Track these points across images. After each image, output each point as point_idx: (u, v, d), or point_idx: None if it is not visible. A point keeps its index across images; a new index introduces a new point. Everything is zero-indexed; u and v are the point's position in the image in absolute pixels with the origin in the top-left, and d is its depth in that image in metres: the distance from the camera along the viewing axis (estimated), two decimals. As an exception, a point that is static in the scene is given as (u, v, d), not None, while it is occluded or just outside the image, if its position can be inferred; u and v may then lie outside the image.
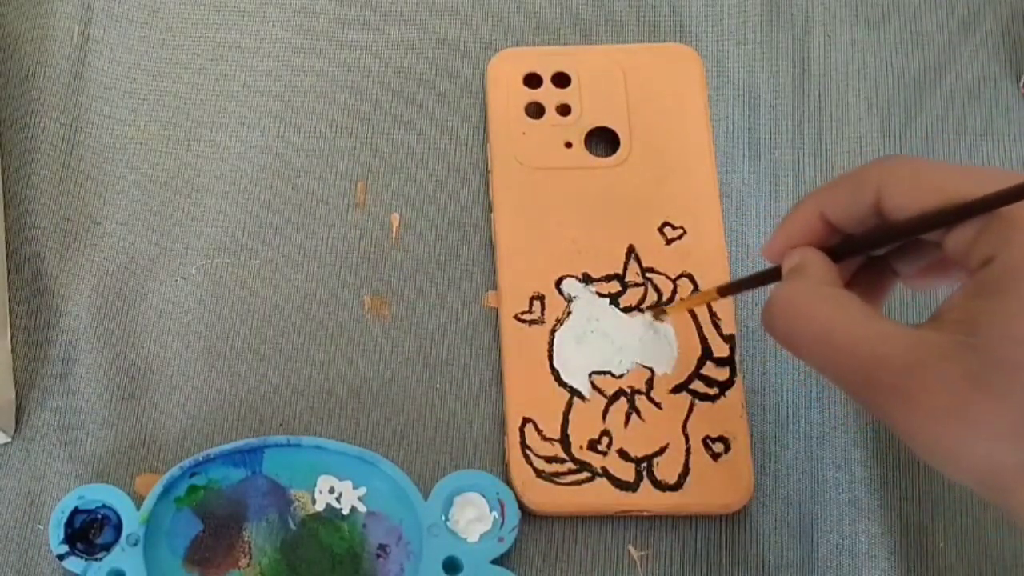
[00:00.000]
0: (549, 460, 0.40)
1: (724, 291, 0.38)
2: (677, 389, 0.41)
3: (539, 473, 0.39)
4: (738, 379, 0.41)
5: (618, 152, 0.44)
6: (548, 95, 0.45)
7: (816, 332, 0.30)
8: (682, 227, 0.43)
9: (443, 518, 0.39)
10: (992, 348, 0.26)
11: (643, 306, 0.41)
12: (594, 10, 0.48)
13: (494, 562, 0.38)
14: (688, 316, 0.41)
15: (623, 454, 0.40)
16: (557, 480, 0.39)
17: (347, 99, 0.46)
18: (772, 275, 0.34)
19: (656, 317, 0.41)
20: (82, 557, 0.38)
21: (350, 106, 0.46)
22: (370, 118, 0.46)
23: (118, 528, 0.38)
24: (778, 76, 0.46)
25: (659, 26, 0.47)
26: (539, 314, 0.42)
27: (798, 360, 0.41)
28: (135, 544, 0.38)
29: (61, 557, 0.38)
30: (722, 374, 0.41)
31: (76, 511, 0.39)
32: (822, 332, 0.29)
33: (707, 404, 0.40)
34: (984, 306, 0.27)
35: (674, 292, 0.42)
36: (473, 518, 0.39)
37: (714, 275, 0.42)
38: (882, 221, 0.31)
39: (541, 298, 0.42)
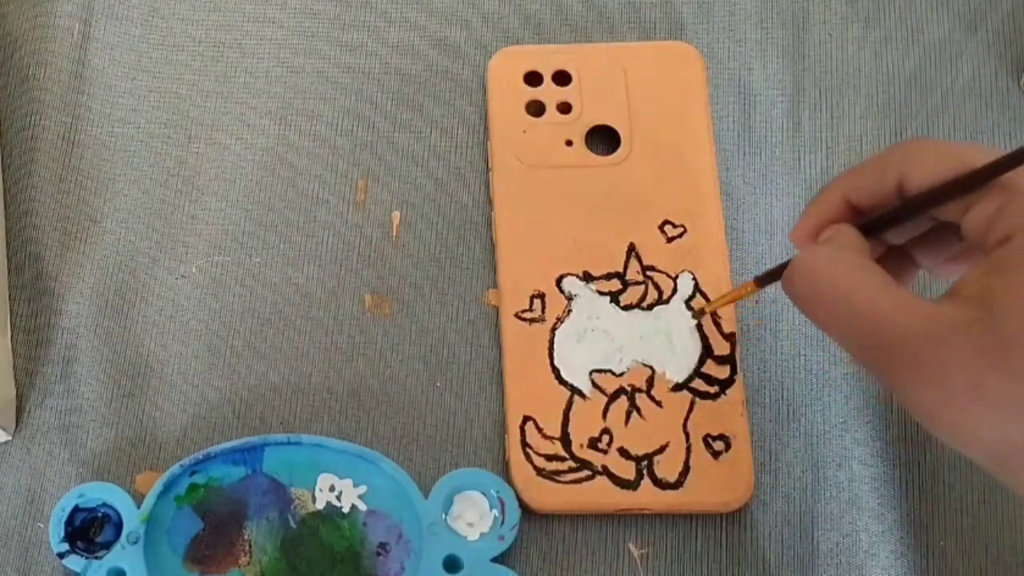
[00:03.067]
0: (549, 458, 0.39)
1: (762, 280, 0.36)
2: (678, 387, 0.40)
3: (539, 471, 0.39)
4: (739, 377, 0.41)
5: (619, 150, 0.44)
6: (549, 93, 0.45)
7: (836, 295, 0.29)
8: (683, 225, 0.43)
9: (443, 516, 0.38)
10: (1007, 324, 0.26)
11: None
12: (592, 11, 0.48)
13: (494, 560, 0.38)
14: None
15: (623, 452, 0.40)
16: (557, 478, 0.39)
17: (347, 100, 0.47)
18: None
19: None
20: (82, 555, 0.38)
21: (350, 107, 0.46)
22: (369, 119, 0.46)
23: (118, 526, 0.38)
24: (776, 74, 0.46)
25: (657, 26, 0.47)
26: (539, 312, 0.42)
27: (798, 359, 0.42)
28: (135, 542, 0.38)
29: (61, 555, 0.38)
30: (723, 372, 0.41)
31: (76, 509, 0.39)
32: (842, 296, 0.29)
33: (708, 402, 0.40)
34: (1000, 283, 0.27)
35: (674, 291, 0.42)
36: (473, 516, 0.38)
37: (715, 273, 0.42)
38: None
39: (541, 296, 0.42)
